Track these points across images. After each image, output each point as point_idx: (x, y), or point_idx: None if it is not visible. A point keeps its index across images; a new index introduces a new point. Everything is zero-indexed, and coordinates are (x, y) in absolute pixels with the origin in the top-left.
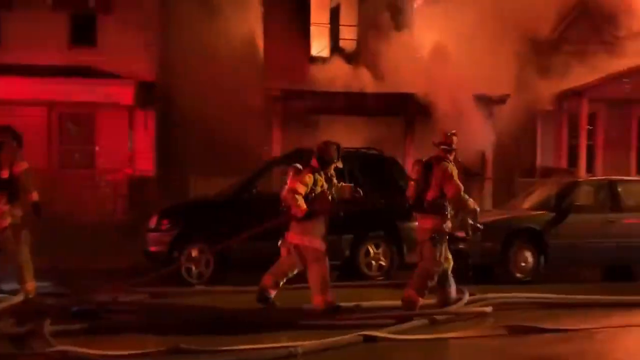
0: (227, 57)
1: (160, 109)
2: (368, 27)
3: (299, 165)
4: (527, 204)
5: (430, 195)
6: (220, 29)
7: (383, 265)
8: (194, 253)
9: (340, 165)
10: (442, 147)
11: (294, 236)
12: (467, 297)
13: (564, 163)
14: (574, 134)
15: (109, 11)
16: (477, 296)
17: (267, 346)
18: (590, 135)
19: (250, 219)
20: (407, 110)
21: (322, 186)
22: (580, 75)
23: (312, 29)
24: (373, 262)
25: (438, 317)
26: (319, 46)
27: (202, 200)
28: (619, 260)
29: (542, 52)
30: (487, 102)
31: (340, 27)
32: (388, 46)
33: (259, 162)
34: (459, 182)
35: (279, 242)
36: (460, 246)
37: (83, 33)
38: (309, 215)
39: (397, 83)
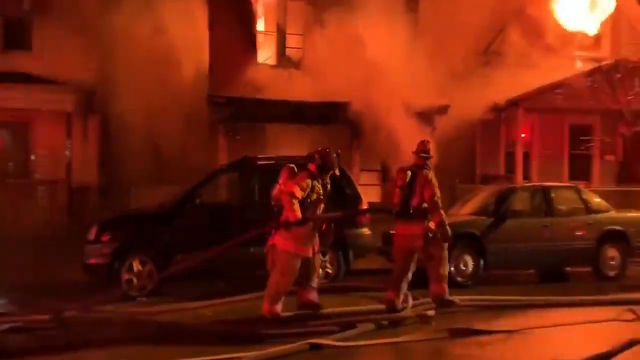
0: (171, 64)
1: (101, 117)
2: (314, 35)
3: (293, 166)
4: (466, 209)
5: (415, 201)
6: (164, 36)
7: (330, 273)
8: (136, 265)
9: (337, 172)
10: (421, 154)
11: (279, 239)
12: (411, 301)
13: (502, 170)
14: (512, 142)
15: (45, 15)
16: (420, 300)
17: (211, 358)
18: (527, 143)
19: (194, 229)
20: (351, 119)
21: (317, 192)
22: (517, 87)
23: (259, 36)
24: (320, 270)
25: (384, 322)
26: (266, 54)
27: (144, 211)
28: (554, 263)
29: (481, 63)
30: (428, 112)
31: (287, 35)
32: (333, 55)
33: (204, 171)
34: (436, 188)
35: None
36: None
37: (18, 37)
38: (301, 222)
39: (342, 92)
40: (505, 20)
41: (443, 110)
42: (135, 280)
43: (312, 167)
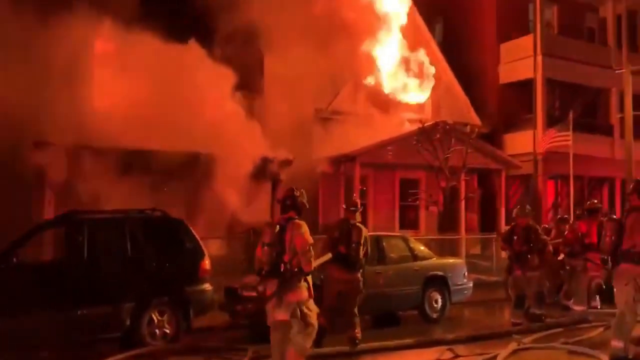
0: None
1: None
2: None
3: (270, 221)
4: None
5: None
6: None
7: (168, 333)
8: None
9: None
10: (352, 209)
11: (294, 295)
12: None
13: None
14: (350, 193)
15: None
16: None
17: None
18: (363, 195)
19: (10, 292)
20: (194, 170)
21: None
22: (355, 142)
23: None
24: (157, 330)
25: None
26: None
27: None
28: (387, 307)
29: (322, 121)
30: (273, 164)
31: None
32: (176, 103)
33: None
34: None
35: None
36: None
37: None
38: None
39: (184, 141)
40: (344, 84)
41: (287, 163)
42: None
43: (292, 213)
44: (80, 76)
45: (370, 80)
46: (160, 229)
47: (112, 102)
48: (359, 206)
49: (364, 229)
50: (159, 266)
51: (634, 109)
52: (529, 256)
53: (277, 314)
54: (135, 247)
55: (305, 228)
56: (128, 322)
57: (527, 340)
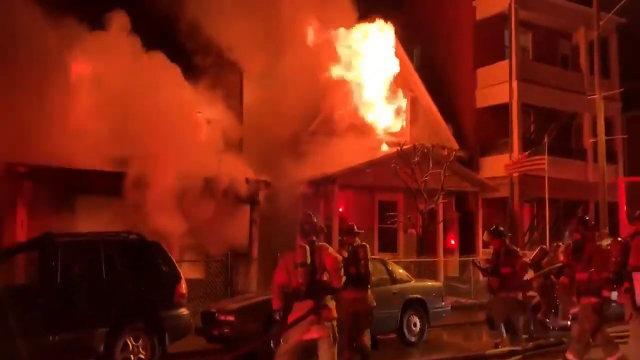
0: None
1: None
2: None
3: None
4: None
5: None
6: None
7: (143, 358)
8: None
9: None
10: (354, 232)
11: (330, 313)
12: None
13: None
14: (329, 215)
15: None
16: None
17: None
18: (342, 221)
19: None
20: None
21: None
22: (334, 164)
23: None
24: (132, 356)
25: None
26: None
27: None
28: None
29: (301, 142)
30: (251, 186)
31: None
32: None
33: None
34: None
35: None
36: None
37: None
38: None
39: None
40: (323, 106)
41: (266, 184)
42: None
43: (313, 237)
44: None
45: (349, 104)
46: (136, 251)
47: (81, 122)
48: (356, 229)
49: (367, 246)
50: (134, 290)
51: (606, 133)
52: (501, 277)
53: (312, 332)
54: (110, 271)
55: (332, 248)
56: (102, 349)
57: None
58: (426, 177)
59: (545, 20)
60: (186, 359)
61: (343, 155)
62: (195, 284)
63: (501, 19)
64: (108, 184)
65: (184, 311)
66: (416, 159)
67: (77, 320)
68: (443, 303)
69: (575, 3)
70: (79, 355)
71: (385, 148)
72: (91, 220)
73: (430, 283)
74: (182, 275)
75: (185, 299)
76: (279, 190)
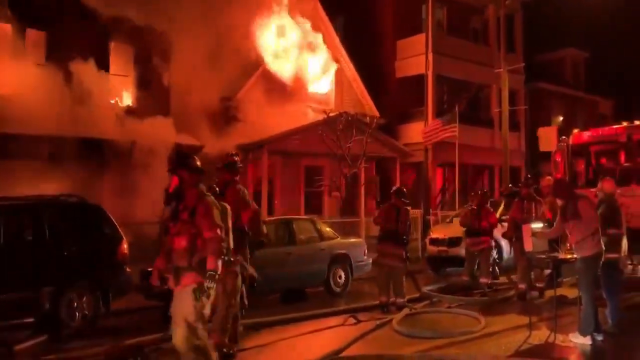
0: None
1: None
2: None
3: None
4: None
5: None
6: None
7: (87, 315)
8: None
9: None
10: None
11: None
12: None
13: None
14: (258, 180)
15: None
16: None
17: None
18: (271, 181)
19: None
20: (104, 156)
21: None
22: (263, 131)
23: None
24: (77, 312)
25: None
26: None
27: None
28: (297, 285)
29: (231, 109)
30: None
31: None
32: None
33: None
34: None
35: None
36: None
37: None
38: None
39: (95, 129)
40: (252, 73)
41: (197, 150)
42: None
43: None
44: None
45: (275, 70)
46: (78, 214)
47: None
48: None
49: (410, 209)
50: (78, 251)
51: (510, 104)
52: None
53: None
54: (53, 232)
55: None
56: (47, 306)
57: (419, 306)
58: (350, 143)
59: None
60: (127, 315)
61: (271, 122)
62: (135, 246)
63: None
64: (43, 148)
65: (125, 270)
66: (341, 126)
67: (22, 280)
68: (365, 257)
69: None
70: (26, 313)
71: (311, 115)
72: (27, 183)
73: (353, 240)
74: (123, 236)
75: (127, 258)
76: (209, 156)
